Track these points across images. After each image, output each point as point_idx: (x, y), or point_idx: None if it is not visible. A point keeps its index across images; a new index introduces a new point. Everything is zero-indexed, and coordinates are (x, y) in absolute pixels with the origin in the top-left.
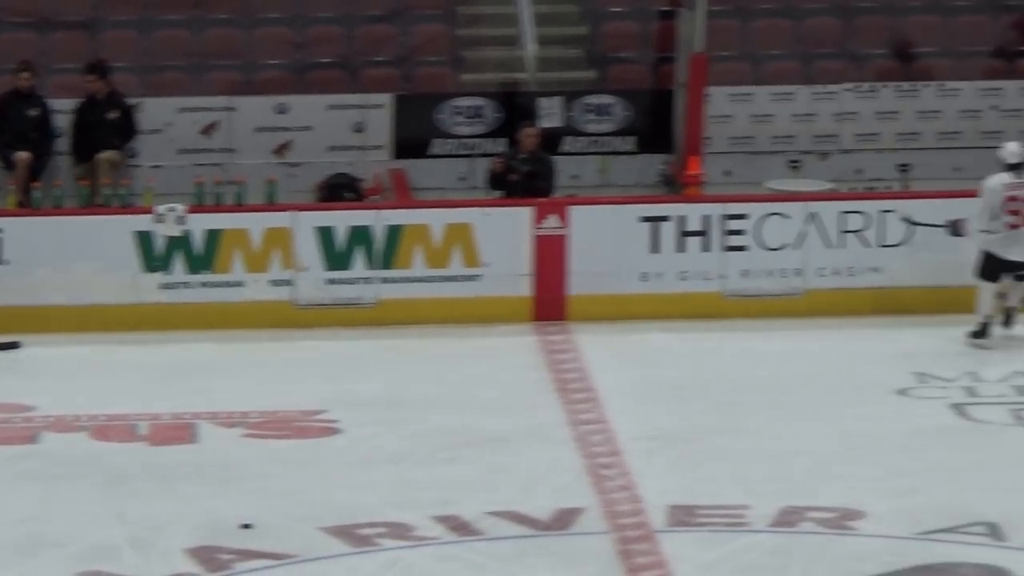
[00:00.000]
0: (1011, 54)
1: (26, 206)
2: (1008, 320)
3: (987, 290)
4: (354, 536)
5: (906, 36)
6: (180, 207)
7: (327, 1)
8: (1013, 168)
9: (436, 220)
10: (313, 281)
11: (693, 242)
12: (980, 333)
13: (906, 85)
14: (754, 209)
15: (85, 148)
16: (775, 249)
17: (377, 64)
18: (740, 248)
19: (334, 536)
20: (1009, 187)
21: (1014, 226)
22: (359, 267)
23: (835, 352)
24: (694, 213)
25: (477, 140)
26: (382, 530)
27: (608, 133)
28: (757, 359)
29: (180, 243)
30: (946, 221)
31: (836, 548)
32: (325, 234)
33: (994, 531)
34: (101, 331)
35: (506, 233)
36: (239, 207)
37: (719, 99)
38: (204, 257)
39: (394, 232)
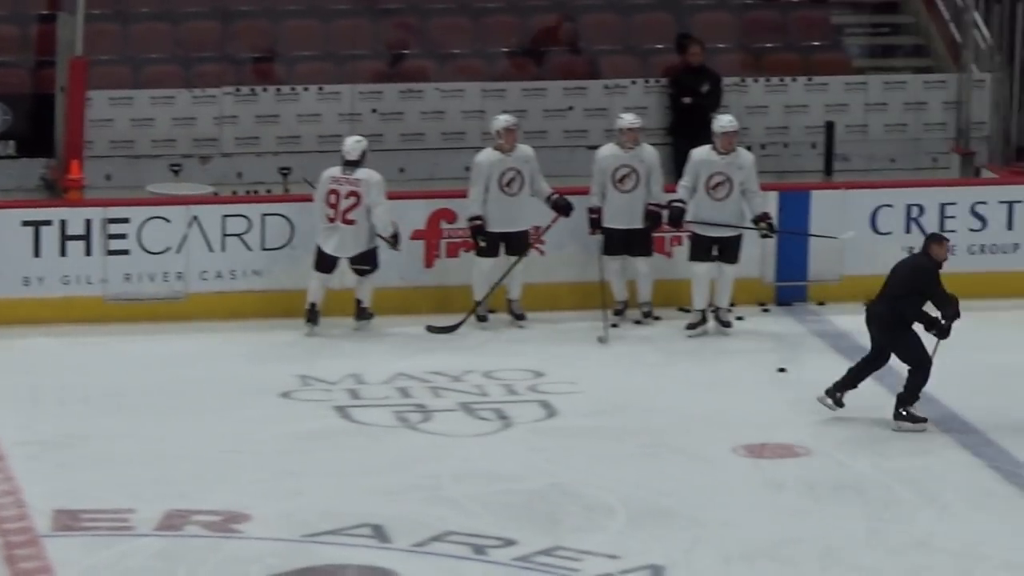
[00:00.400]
0: (394, 57)
1: None
2: (312, 317)
3: (314, 279)
4: None
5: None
6: None
7: None
8: (348, 164)
9: None
10: None
11: (75, 246)
12: None
13: (286, 88)
14: (136, 213)
15: None
16: (157, 253)
17: None
18: (122, 252)
19: None
20: (334, 180)
21: (332, 219)
22: None
23: (219, 355)
24: (75, 217)
25: None
26: None
27: None
28: (141, 363)
29: None
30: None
31: (222, 551)
32: None
33: (379, 533)
34: None
35: None
36: None
37: (100, 103)
38: None
39: None
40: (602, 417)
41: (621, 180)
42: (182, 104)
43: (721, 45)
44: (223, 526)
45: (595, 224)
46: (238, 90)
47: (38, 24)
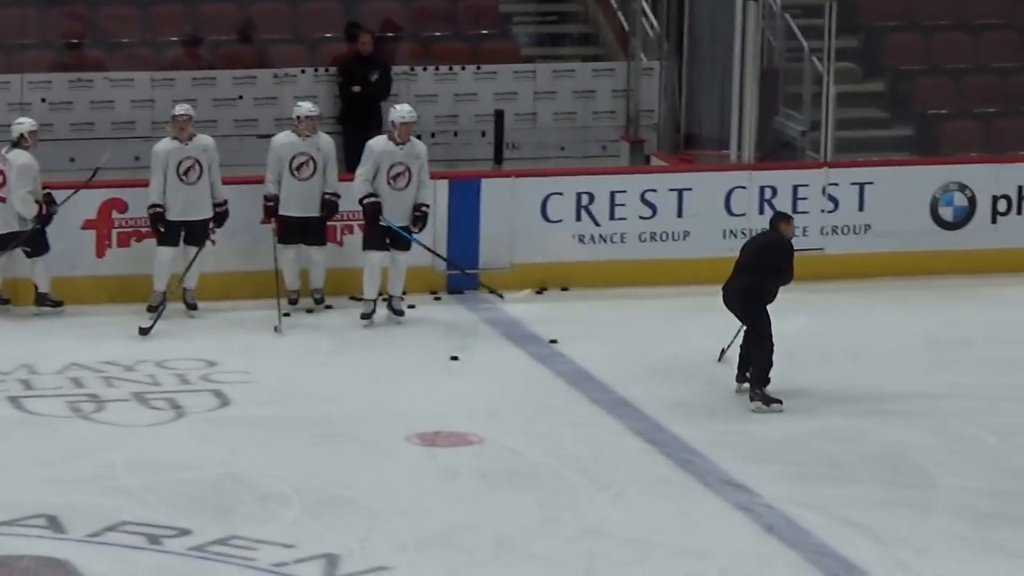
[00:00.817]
0: (68, 47)
1: None
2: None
3: None
4: None
5: None
6: None
7: None
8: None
9: None
10: None
11: None
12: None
13: None
14: None
15: None
16: None
17: None
18: None
19: None
20: None
21: None
22: None
23: None
24: None
25: None
26: None
27: None
28: None
29: None
30: None
31: None
32: None
33: (53, 523)
34: None
35: None
36: None
37: None
38: None
39: None
40: (275, 406)
41: (298, 168)
42: None
43: (390, 34)
44: None
45: (270, 212)
46: None
47: None
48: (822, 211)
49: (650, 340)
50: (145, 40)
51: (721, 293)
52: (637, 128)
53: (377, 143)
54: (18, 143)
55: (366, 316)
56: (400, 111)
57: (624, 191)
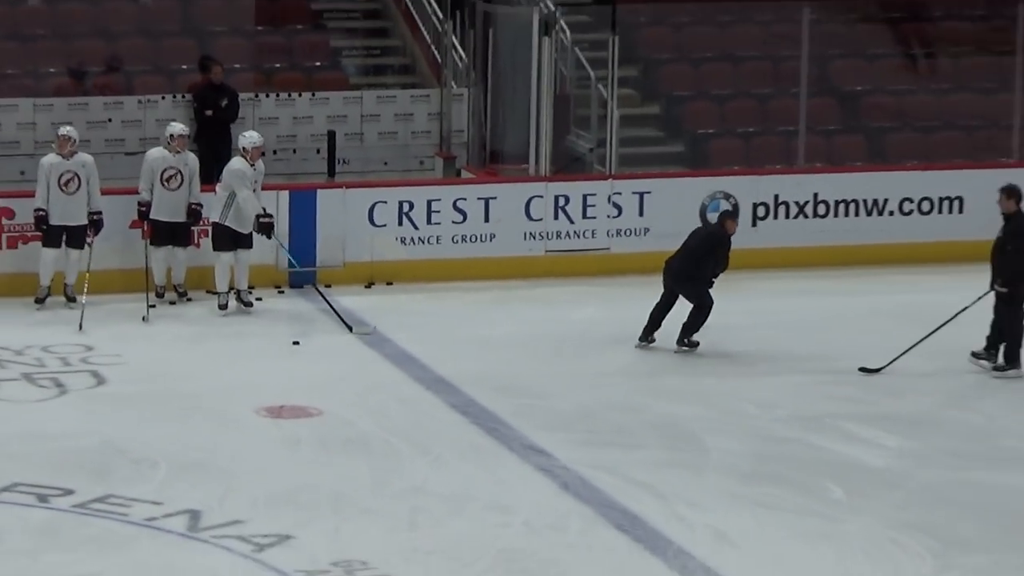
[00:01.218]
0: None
1: None
2: None
3: None
4: None
5: None
6: None
7: None
8: None
9: None
10: None
11: None
12: None
13: None
14: None
15: None
16: None
17: None
18: None
19: None
20: None
21: None
22: None
23: None
24: None
25: None
26: None
27: None
28: None
29: None
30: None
31: None
32: None
33: None
34: None
35: None
36: None
37: None
38: None
39: None
40: (145, 384)
41: (168, 179)
42: None
43: (237, 65)
44: None
45: (143, 216)
46: None
47: None
48: (608, 216)
49: (463, 327)
50: (26, 71)
51: (664, 266)
52: (450, 146)
53: (235, 163)
54: None
55: (222, 307)
56: (250, 137)
57: (439, 199)
